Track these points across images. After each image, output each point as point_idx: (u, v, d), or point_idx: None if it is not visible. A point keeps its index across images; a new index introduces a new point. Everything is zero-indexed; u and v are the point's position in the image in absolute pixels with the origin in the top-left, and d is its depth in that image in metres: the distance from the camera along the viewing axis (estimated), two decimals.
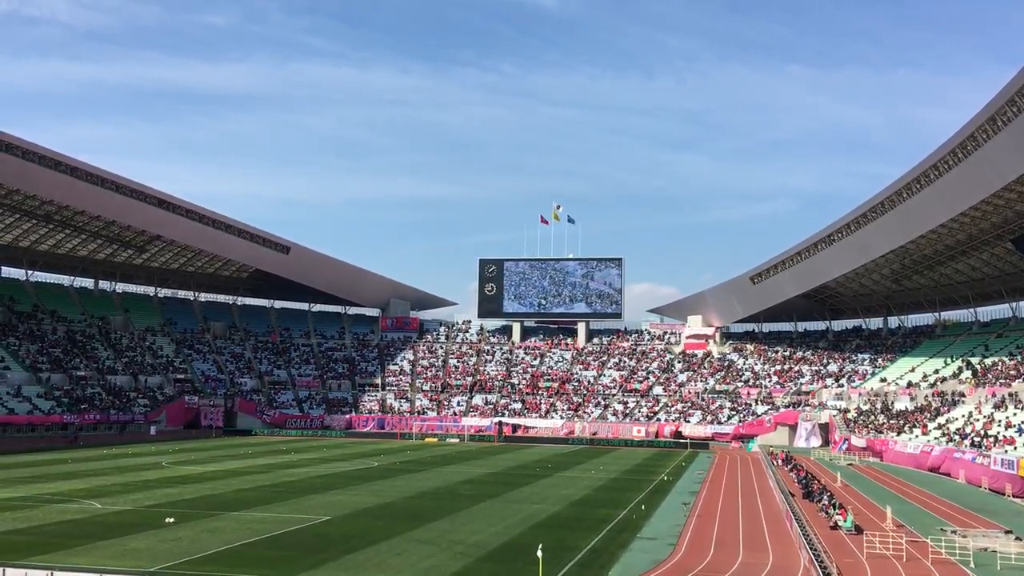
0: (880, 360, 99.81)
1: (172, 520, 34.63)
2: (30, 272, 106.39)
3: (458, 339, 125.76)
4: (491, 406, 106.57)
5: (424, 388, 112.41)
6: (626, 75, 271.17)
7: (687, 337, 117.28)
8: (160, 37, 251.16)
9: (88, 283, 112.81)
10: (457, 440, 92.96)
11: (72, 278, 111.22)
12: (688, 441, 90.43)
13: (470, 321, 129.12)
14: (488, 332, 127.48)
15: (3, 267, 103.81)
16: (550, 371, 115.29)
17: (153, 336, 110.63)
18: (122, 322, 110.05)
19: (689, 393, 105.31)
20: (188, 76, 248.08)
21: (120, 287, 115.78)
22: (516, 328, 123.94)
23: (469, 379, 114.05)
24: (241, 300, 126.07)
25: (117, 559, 27.09)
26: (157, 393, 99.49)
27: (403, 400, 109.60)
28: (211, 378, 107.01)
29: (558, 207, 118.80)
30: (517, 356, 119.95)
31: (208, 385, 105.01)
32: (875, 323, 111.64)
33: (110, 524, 33.83)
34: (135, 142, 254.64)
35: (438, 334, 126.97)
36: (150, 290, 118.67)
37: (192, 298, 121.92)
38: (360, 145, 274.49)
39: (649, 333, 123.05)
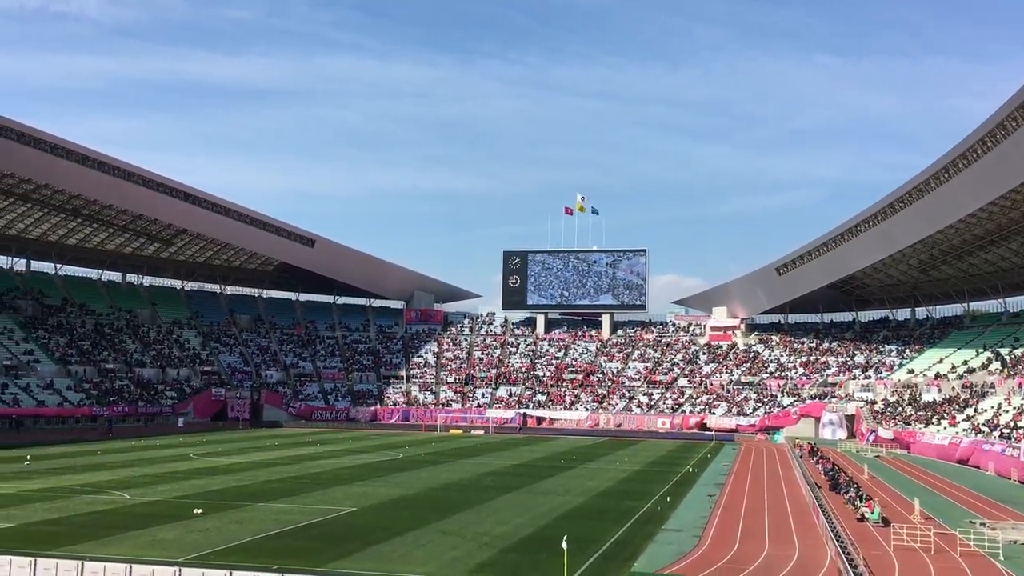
0: (908, 351, 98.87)
1: (200, 511, 34.97)
2: (59, 266, 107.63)
3: (482, 331, 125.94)
4: (515, 398, 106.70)
5: (449, 380, 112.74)
6: (650, 66, 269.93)
7: (712, 328, 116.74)
8: (186, 32, 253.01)
9: (116, 277, 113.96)
10: (482, 432, 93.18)
11: (100, 272, 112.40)
12: (713, 433, 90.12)
13: (494, 313, 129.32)
14: (512, 324, 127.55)
15: (33, 261, 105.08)
16: (574, 363, 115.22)
17: (180, 329, 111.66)
18: (150, 315, 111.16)
19: (714, 385, 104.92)
20: (213, 70, 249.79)
21: (147, 280, 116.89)
22: (540, 320, 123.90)
23: (493, 371, 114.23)
24: (267, 293, 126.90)
25: (146, 550, 27.40)
26: (184, 385, 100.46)
27: (428, 392, 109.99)
28: (237, 370, 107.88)
29: (582, 198, 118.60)
30: (541, 348, 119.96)
31: (235, 377, 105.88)
32: (902, 314, 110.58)
33: (139, 515, 34.23)
34: (161, 136, 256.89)
35: (462, 326, 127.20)
36: (177, 283, 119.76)
37: (218, 291, 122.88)
38: (383, 138, 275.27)
39: (674, 325, 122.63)
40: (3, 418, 77.33)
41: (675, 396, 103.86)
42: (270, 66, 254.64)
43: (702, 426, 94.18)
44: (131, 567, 23.01)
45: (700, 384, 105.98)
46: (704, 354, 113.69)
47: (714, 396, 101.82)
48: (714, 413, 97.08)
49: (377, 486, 44.90)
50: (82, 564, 23.36)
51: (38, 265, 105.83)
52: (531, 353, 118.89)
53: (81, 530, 30.75)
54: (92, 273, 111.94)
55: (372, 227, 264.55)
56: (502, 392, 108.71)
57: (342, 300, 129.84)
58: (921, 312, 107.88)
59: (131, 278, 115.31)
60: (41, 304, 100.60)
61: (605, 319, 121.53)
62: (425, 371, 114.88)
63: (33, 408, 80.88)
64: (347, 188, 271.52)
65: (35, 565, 23.47)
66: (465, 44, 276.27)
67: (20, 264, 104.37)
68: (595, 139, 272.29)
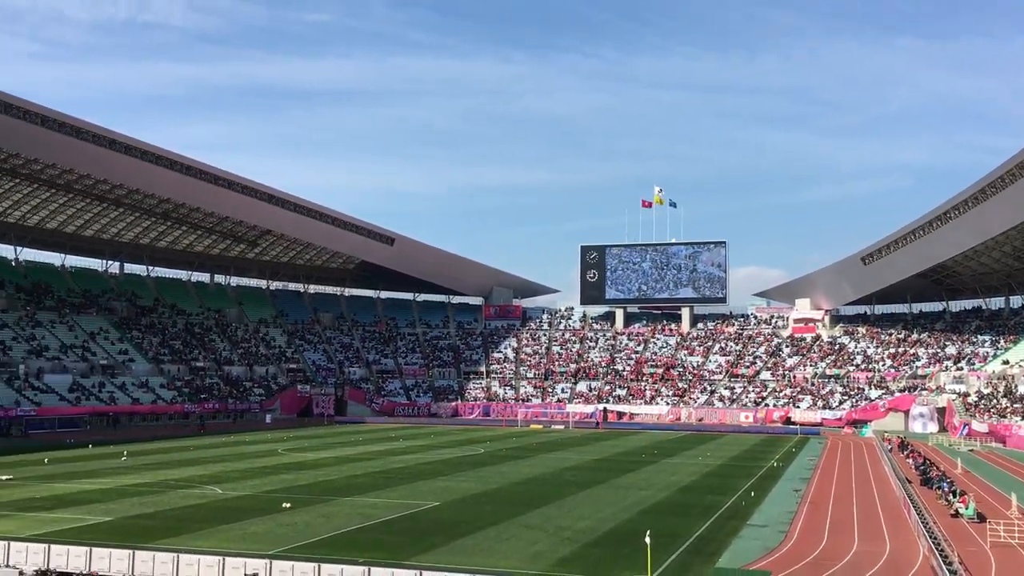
0: (1002, 341, 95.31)
1: (288, 505, 35.81)
2: (151, 268, 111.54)
3: (561, 326, 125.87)
4: (595, 393, 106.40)
5: (528, 375, 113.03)
6: (728, 54, 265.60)
7: (795, 321, 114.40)
8: (266, 36, 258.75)
9: (204, 277, 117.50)
10: (562, 427, 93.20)
11: (190, 273, 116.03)
12: (798, 427, 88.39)
13: (572, 308, 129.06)
14: (591, 319, 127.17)
15: (126, 263, 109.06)
16: (654, 357, 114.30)
17: (266, 328, 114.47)
18: (237, 314, 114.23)
19: (798, 378, 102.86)
20: (293, 73, 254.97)
21: (234, 281, 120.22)
22: (619, 314, 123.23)
23: (573, 366, 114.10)
24: (348, 291, 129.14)
25: (238, 542, 28.19)
26: (271, 383, 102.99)
27: (508, 387, 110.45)
28: (322, 367, 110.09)
29: (660, 191, 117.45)
30: (621, 342, 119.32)
31: (319, 374, 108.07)
32: (996, 303, 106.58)
33: (230, 509, 35.21)
34: (244, 139, 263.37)
35: (541, 321, 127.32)
36: (262, 283, 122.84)
37: (302, 290, 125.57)
38: (461, 135, 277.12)
39: (755, 317, 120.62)
40: (101, 415, 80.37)
41: (758, 390, 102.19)
42: (348, 68, 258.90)
43: (787, 420, 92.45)
44: (223, 560, 23.73)
45: (783, 377, 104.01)
46: (787, 347, 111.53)
47: (798, 389, 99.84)
48: (798, 407, 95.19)
49: (459, 481, 45.31)
50: (177, 557, 24.17)
51: (131, 267, 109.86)
52: (610, 347, 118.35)
53: (175, 523, 31.79)
54: (182, 274, 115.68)
55: (451, 224, 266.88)
56: (582, 387, 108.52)
57: (422, 297, 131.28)
58: (1016, 301, 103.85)
59: (219, 278, 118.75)
60: (134, 305, 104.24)
61: (685, 312, 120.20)
62: (505, 366, 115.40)
63: (129, 406, 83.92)
64: (425, 186, 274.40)
65: (133, 558, 24.39)
66: (541, 39, 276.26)
67: (114, 267, 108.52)
68: (672, 131, 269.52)
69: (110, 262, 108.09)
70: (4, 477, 43.72)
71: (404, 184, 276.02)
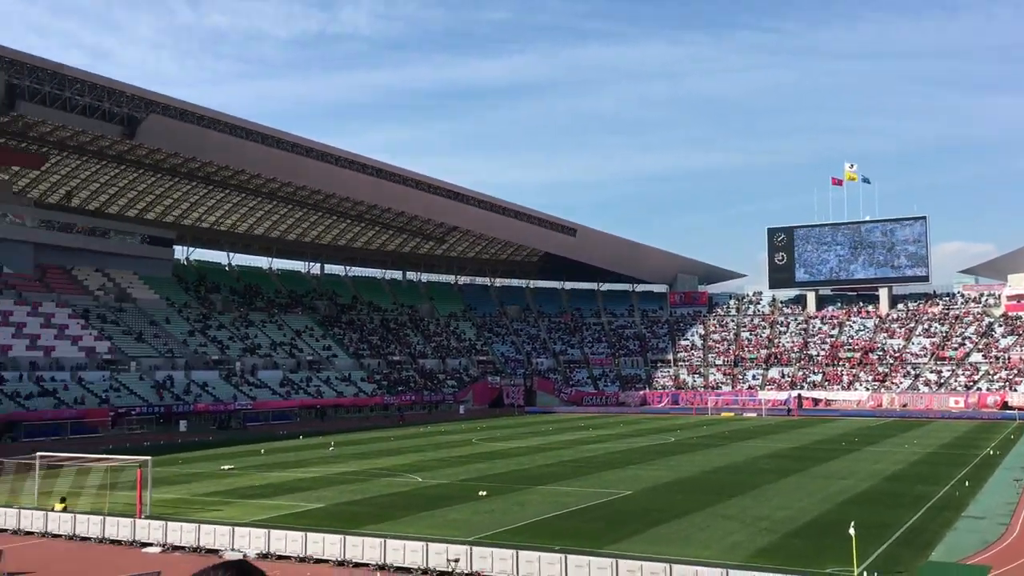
0: None
1: (484, 493, 36.84)
2: (348, 268, 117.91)
3: (749, 311, 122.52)
4: (788, 379, 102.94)
5: (717, 363, 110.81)
6: (922, 17, 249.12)
7: (1009, 298, 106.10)
8: (446, 38, 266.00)
9: (397, 275, 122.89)
10: (754, 414, 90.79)
11: (383, 271, 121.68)
12: (1016, 412, 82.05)
13: (761, 292, 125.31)
14: (780, 303, 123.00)
15: (326, 264, 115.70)
16: (851, 340, 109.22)
17: (456, 321, 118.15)
18: (428, 309, 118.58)
19: (1014, 359, 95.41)
20: (472, 72, 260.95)
21: (425, 277, 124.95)
22: (811, 297, 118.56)
23: (763, 352, 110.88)
24: (533, 283, 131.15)
25: (439, 529, 29.31)
26: (463, 374, 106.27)
27: (696, 375, 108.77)
28: (510, 359, 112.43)
29: (852, 166, 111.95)
30: (813, 326, 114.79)
31: (508, 366, 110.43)
32: None
33: (430, 496, 36.62)
34: (427, 141, 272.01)
35: (728, 307, 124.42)
36: (451, 278, 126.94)
37: (489, 284, 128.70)
38: (639, 122, 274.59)
39: (962, 296, 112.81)
40: (309, 408, 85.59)
41: (968, 373, 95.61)
42: (523, 63, 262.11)
43: (1003, 405, 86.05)
44: (427, 545, 24.76)
45: (997, 359, 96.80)
46: (1000, 326, 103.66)
47: (1015, 372, 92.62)
48: (1015, 390, 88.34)
49: (651, 469, 45.09)
50: (384, 542, 25.44)
51: (330, 268, 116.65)
52: (802, 332, 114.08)
53: (380, 510, 33.42)
54: (376, 273, 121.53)
55: (630, 212, 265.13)
56: (773, 373, 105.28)
57: (606, 287, 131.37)
58: None
59: (410, 275, 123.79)
60: (335, 304, 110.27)
61: (883, 293, 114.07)
62: (692, 354, 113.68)
63: (333, 399, 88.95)
64: (605, 175, 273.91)
65: (344, 542, 25.87)
66: (718, 18, 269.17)
67: (315, 268, 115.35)
68: (863, 103, 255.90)
69: (311, 263, 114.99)
70: (227, 467, 47.39)
71: (582, 174, 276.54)
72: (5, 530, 30.88)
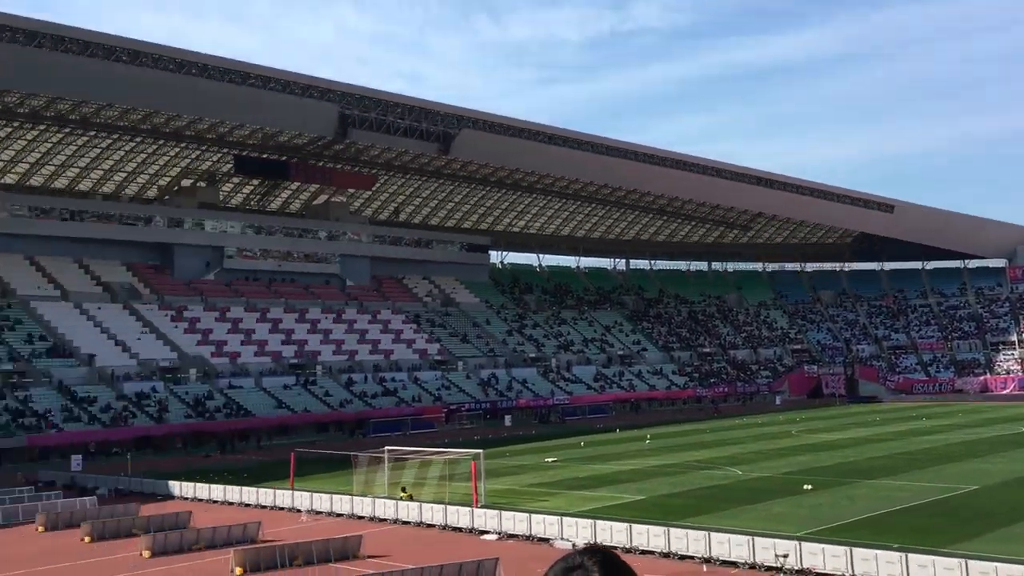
0: None
1: (810, 487, 35.58)
2: (653, 262, 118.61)
3: None
4: None
5: None
6: None
7: None
8: (738, 19, 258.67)
9: (702, 266, 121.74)
10: None
11: (688, 263, 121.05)
12: None
13: None
14: None
15: (631, 259, 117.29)
16: None
17: (766, 310, 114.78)
18: (736, 299, 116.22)
19: None
20: (769, 51, 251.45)
21: (731, 266, 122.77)
22: None
23: None
24: (847, 266, 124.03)
25: (763, 522, 28.76)
26: (777, 364, 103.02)
27: None
28: (827, 346, 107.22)
29: None
30: None
31: (825, 353, 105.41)
32: None
33: (752, 489, 36.01)
34: (725, 126, 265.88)
35: None
36: (758, 266, 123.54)
37: (799, 269, 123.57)
38: (958, 81, 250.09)
39: None
40: (623, 402, 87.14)
41: None
42: (826, 35, 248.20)
43: None
44: (752, 539, 24.43)
45: None
46: None
47: None
48: None
49: (998, 463, 41.13)
50: (708, 535, 25.43)
51: (635, 263, 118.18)
52: None
53: (700, 502, 33.42)
54: (681, 265, 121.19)
55: (958, 181, 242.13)
56: None
57: (931, 265, 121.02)
58: None
59: (716, 266, 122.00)
60: (641, 298, 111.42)
61: None
62: None
63: (645, 392, 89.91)
64: (926, 143, 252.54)
65: (668, 534, 26.17)
66: None
67: (620, 264, 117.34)
68: None
69: (616, 260, 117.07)
70: (550, 459, 49.56)
71: (900, 145, 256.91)
72: (363, 517, 34.53)
